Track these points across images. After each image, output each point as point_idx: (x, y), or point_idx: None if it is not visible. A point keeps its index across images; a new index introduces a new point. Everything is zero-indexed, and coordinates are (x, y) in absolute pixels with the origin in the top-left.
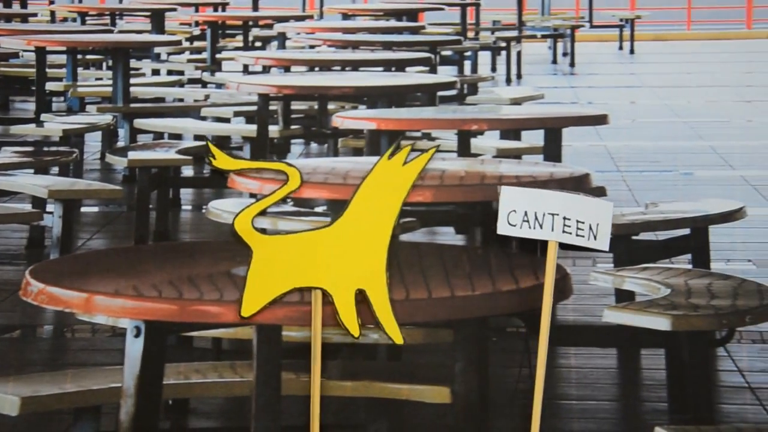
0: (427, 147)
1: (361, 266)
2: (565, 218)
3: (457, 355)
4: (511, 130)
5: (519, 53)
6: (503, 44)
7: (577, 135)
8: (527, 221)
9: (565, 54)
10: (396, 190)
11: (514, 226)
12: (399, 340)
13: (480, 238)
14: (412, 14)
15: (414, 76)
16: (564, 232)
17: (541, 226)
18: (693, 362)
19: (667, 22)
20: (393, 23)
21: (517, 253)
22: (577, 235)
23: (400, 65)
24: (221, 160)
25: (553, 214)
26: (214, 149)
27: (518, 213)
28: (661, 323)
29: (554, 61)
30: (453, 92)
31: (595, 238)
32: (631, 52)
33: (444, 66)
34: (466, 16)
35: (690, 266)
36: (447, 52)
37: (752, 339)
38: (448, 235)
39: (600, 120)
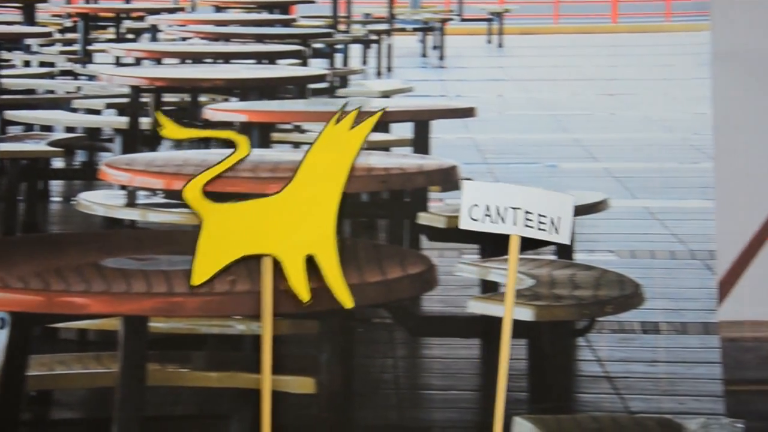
0: (375, 110)
1: (311, 232)
2: (527, 212)
3: (322, 346)
4: (381, 122)
5: (389, 46)
6: (374, 37)
7: (445, 127)
8: (489, 215)
9: (434, 47)
10: (344, 154)
11: (477, 220)
12: (349, 303)
13: (348, 230)
14: (284, 7)
15: (285, 69)
16: (526, 226)
17: (503, 220)
18: (554, 352)
19: (535, 15)
20: (265, 16)
21: (384, 245)
22: (539, 229)
23: (272, 58)
24: (170, 129)
25: (515, 209)
26: (161, 118)
27: (480, 207)
28: (524, 314)
29: (424, 55)
30: (324, 85)
31: (557, 231)
32: (500, 45)
33: (315, 59)
34: (337, 9)
35: (554, 257)
36: (318, 45)
37: (612, 329)
38: None
39: (468, 113)
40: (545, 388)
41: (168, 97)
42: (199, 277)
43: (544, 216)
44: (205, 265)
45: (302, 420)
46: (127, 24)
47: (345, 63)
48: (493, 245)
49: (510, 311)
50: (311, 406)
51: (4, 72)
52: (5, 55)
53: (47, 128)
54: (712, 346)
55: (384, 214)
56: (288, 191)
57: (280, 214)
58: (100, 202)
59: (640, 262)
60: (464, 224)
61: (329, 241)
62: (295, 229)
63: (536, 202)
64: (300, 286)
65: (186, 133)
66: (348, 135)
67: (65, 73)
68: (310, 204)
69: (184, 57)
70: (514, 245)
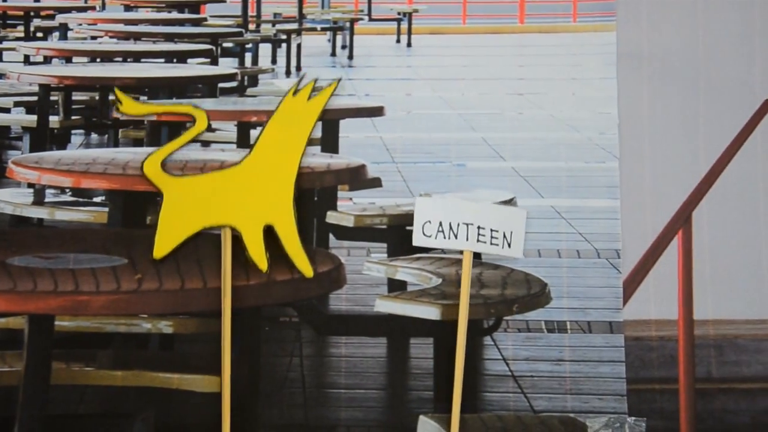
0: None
1: (269, 202)
2: (479, 227)
3: None
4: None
5: (299, 45)
6: (284, 36)
7: (354, 126)
8: (442, 231)
9: (344, 47)
10: (301, 125)
11: (429, 236)
12: (309, 273)
13: None
14: (194, 6)
15: (195, 68)
16: (479, 241)
17: (456, 236)
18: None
19: (444, 15)
20: (175, 15)
21: None
22: (492, 244)
23: (182, 57)
24: (128, 105)
25: (467, 224)
26: (120, 95)
27: (433, 223)
28: (430, 312)
29: (333, 54)
30: (234, 84)
31: (509, 245)
32: (409, 45)
33: (225, 58)
34: (247, 9)
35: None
36: (228, 44)
37: (518, 328)
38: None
39: (376, 112)
40: (451, 387)
41: (77, 96)
42: (160, 249)
43: (496, 230)
44: (166, 238)
45: (208, 419)
46: (37, 22)
47: (255, 62)
48: (400, 244)
49: (464, 322)
50: (216, 405)
51: None
52: None
53: None
54: (617, 345)
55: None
56: (246, 163)
57: (238, 186)
58: (7, 200)
59: (546, 261)
60: (417, 240)
61: (287, 211)
62: (253, 200)
63: (489, 217)
64: (258, 256)
65: (144, 109)
66: (305, 106)
67: None
68: (269, 175)
69: (94, 56)
70: (467, 261)
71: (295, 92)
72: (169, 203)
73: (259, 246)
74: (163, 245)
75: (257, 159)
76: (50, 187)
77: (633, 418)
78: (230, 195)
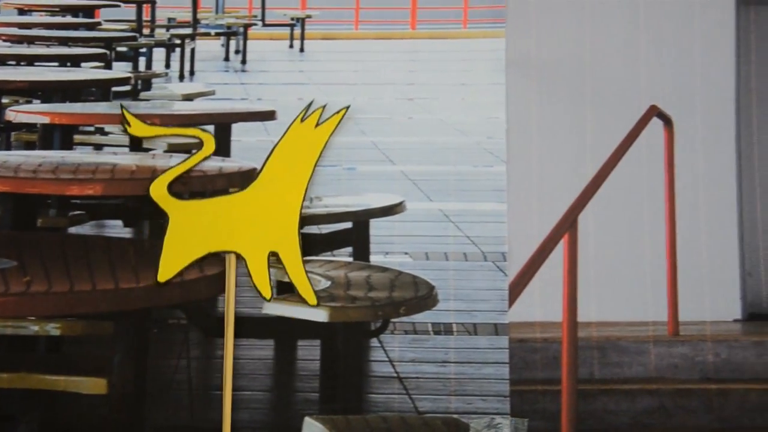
0: (337, 109)
1: (275, 229)
2: None
3: (116, 346)
4: (182, 125)
5: (193, 50)
6: (178, 41)
7: (246, 130)
8: None
9: (237, 51)
10: (309, 152)
11: None
12: (312, 300)
13: (147, 232)
14: (89, 10)
15: (89, 72)
16: None
17: None
18: (346, 353)
19: (336, 21)
20: (69, 19)
21: None
22: None
23: (76, 61)
24: (136, 127)
25: None
26: (128, 116)
27: None
28: (318, 315)
29: (227, 59)
30: (127, 88)
31: None
32: (301, 50)
33: (120, 62)
34: (142, 13)
35: (350, 259)
36: (122, 48)
37: (405, 330)
38: (117, 228)
39: (268, 116)
40: (337, 389)
41: None
42: (165, 273)
43: None
44: (171, 261)
45: (93, 420)
46: None
47: (148, 66)
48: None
49: None
50: (102, 407)
51: None
52: None
53: None
54: (502, 347)
55: None
56: (253, 188)
57: (244, 212)
58: None
59: (434, 264)
60: None
61: (292, 238)
62: (259, 226)
63: None
64: (262, 283)
65: (153, 131)
66: (313, 133)
67: None
68: (274, 201)
69: None
70: None
71: (303, 119)
72: (175, 226)
73: (264, 273)
74: (167, 268)
75: (263, 185)
76: None
77: (515, 418)
78: (235, 220)
